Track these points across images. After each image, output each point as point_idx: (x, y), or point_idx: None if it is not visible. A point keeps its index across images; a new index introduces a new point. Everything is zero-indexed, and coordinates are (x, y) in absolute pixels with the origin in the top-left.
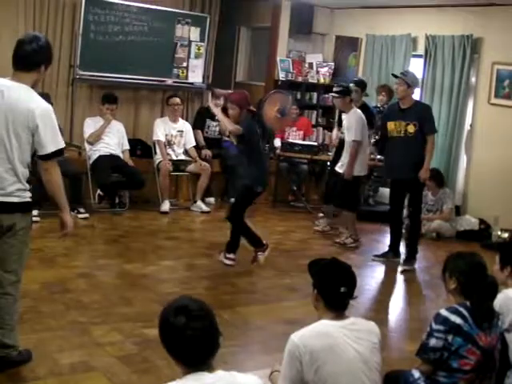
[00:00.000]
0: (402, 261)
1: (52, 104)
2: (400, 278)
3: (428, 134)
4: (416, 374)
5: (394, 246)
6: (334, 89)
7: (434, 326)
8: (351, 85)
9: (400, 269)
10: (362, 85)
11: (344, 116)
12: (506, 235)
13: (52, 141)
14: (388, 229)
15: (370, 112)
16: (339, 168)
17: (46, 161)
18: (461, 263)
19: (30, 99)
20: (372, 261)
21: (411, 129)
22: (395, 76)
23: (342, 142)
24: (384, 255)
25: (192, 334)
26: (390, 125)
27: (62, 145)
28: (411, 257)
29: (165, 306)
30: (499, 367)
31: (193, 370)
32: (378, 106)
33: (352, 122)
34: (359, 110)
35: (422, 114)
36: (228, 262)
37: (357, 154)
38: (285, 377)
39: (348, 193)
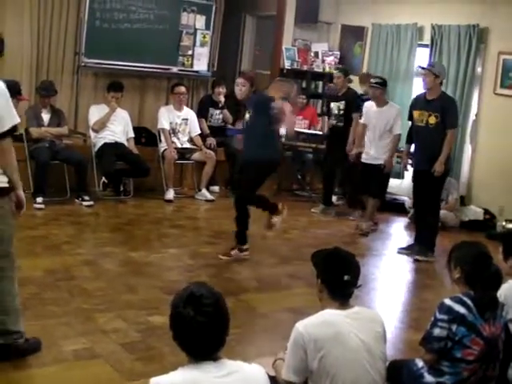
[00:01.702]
0: (416, 250)
1: (56, 92)
2: (405, 268)
3: (448, 127)
4: (420, 363)
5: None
6: (373, 80)
7: (438, 316)
8: (334, 71)
9: (414, 257)
10: (344, 71)
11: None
12: (510, 225)
13: (8, 116)
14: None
15: (358, 97)
16: (372, 160)
17: (4, 139)
18: (465, 253)
19: None
20: (398, 253)
21: (432, 120)
22: (422, 68)
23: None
24: (409, 248)
25: (198, 328)
26: (415, 113)
27: (17, 120)
28: (426, 248)
29: (178, 292)
30: (503, 357)
31: (197, 359)
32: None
33: (393, 114)
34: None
35: (445, 106)
36: (244, 254)
37: (396, 147)
38: (289, 365)
39: (383, 182)
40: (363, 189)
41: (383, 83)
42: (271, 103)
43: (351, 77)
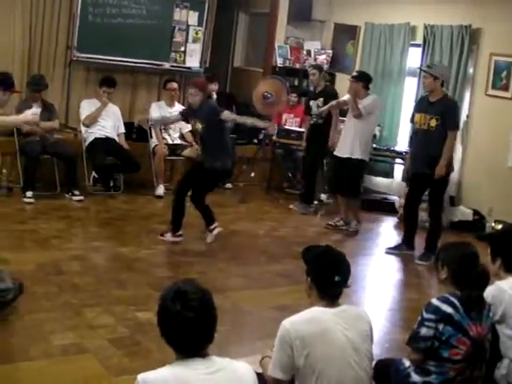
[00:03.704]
0: (418, 255)
1: (47, 86)
2: (393, 267)
3: (449, 129)
4: (406, 362)
5: (407, 239)
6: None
7: (425, 315)
8: (309, 69)
9: (416, 262)
10: (319, 68)
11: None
12: (499, 226)
13: None
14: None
15: (337, 94)
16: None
17: None
18: (453, 252)
19: None
20: (386, 253)
21: (433, 123)
22: (421, 69)
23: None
24: (397, 248)
25: (185, 323)
26: (417, 117)
27: None
28: (429, 252)
29: (166, 288)
30: (490, 358)
31: (185, 356)
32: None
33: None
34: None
35: (446, 109)
36: (177, 239)
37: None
38: (276, 362)
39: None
40: (334, 186)
41: (359, 77)
42: (221, 114)
43: (344, 75)
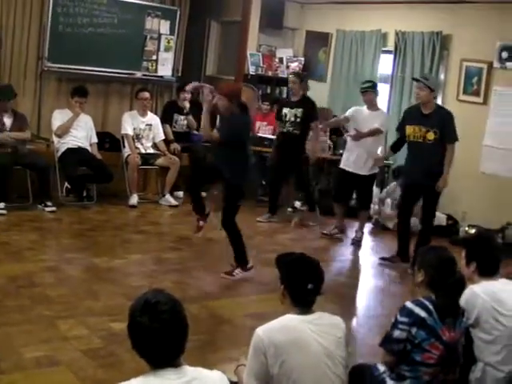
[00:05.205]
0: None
1: (15, 95)
2: (368, 273)
3: (449, 142)
4: (381, 368)
5: (402, 251)
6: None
7: (399, 318)
8: (290, 76)
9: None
10: (300, 76)
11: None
12: (473, 231)
13: None
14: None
15: (315, 105)
16: (357, 169)
17: None
18: (430, 257)
19: None
20: (379, 265)
21: (430, 136)
22: (416, 80)
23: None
24: (391, 259)
25: (155, 335)
26: (409, 128)
27: None
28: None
29: (135, 299)
30: (464, 362)
31: (157, 367)
32: None
33: (383, 120)
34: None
35: (443, 122)
36: (249, 273)
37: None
38: (250, 370)
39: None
40: (340, 197)
41: (374, 86)
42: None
43: (315, 82)
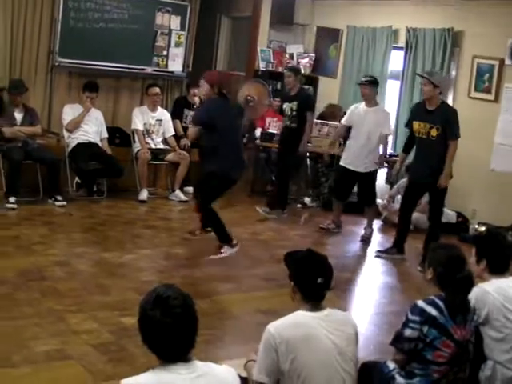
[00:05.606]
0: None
1: (27, 89)
2: (377, 270)
3: (450, 138)
4: (391, 365)
5: (398, 243)
6: (363, 78)
7: (410, 317)
8: (285, 71)
9: (418, 269)
10: (295, 70)
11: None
12: (483, 228)
13: None
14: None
15: (311, 96)
16: (359, 168)
17: None
18: (439, 254)
19: None
20: (376, 257)
21: (434, 132)
22: (420, 76)
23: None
24: (388, 251)
25: (166, 330)
26: (415, 124)
27: None
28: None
29: (145, 294)
30: (473, 360)
31: (168, 361)
32: None
33: (383, 116)
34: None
35: (446, 118)
36: (232, 250)
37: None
38: (260, 366)
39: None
40: (340, 194)
41: (373, 82)
42: None
43: (326, 78)
